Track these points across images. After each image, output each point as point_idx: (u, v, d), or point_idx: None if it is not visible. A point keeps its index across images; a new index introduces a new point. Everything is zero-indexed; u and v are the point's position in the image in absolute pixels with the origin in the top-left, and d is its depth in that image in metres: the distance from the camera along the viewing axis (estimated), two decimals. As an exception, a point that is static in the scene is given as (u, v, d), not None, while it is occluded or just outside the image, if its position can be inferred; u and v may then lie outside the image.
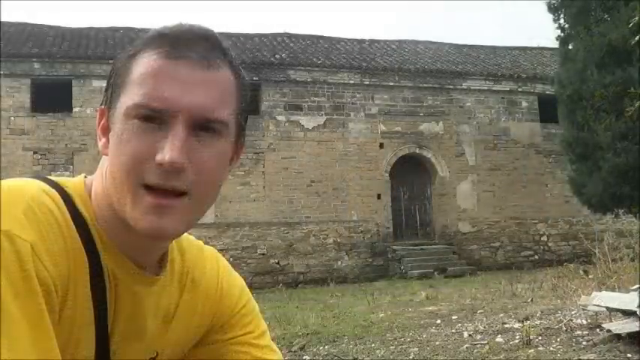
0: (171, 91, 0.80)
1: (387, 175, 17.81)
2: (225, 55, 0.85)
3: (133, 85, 0.81)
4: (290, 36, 20.09)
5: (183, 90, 0.80)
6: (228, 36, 18.31)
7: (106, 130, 0.86)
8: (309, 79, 17.56)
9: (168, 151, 0.78)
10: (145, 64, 0.81)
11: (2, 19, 17.11)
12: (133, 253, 0.88)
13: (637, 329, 4.91)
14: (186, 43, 0.82)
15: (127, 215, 0.81)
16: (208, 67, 0.82)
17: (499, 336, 6.03)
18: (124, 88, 0.82)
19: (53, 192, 0.83)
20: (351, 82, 17.88)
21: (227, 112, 0.84)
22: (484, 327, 6.67)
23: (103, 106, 0.88)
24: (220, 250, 1.12)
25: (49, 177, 0.88)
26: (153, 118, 0.80)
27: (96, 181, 0.89)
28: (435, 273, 15.48)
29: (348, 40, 20.66)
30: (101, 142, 0.87)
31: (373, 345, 6.33)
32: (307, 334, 7.12)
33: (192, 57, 0.81)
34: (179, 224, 0.82)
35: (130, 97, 0.81)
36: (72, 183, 0.89)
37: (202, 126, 0.81)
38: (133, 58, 0.83)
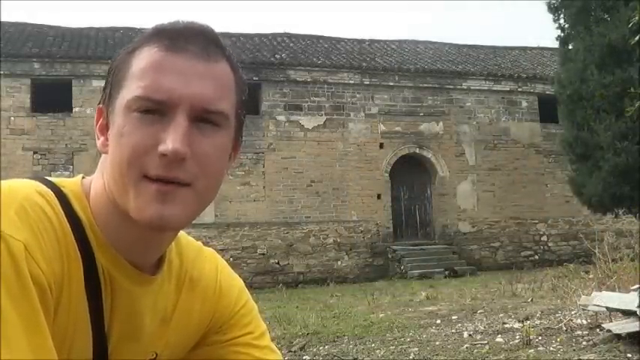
0: (172, 83, 0.80)
1: (387, 175, 17.80)
2: (223, 50, 0.85)
3: (133, 79, 0.81)
4: (290, 36, 20.08)
5: (184, 81, 0.80)
6: (228, 36, 18.31)
7: (104, 129, 0.86)
8: (309, 79, 17.55)
9: (171, 141, 0.78)
10: (144, 58, 0.82)
11: (2, 19, 17.12)
12: (131, 253, 0.87)
13: (637, 329, 4.91)
14: (185, 38, 0.82)
15: (129, 206, 0.81)
16: (208, 60, 0.82)
17: (499, 336, 6.03)
18: (124, 83, 0.82)
19: (47, 192, 0.82)
20: (351, 82, 17.87)
21: (227, 104, 0.84)
22: (484, 327, 6.66)
23: (101, 105, 0.88)
24: (220, 250, 1.12)
25: (47, 177, 0.87)
26: (154, 110, 0.80)
27: (96, 180, 0.88)
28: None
29: (348, 40, 20.65)
30: (99, 141, 0.86)
31: (373, 345, 6.32)
32: (307, 334, 7.11)
33: (192, 50, 0.82)
34: (182, 214, 0.81)
35: (130, 91, 0.81)
36: (69, 183, 0.89)
37: (203, 118, 0.81)
38: (132, 54, 0.83)
